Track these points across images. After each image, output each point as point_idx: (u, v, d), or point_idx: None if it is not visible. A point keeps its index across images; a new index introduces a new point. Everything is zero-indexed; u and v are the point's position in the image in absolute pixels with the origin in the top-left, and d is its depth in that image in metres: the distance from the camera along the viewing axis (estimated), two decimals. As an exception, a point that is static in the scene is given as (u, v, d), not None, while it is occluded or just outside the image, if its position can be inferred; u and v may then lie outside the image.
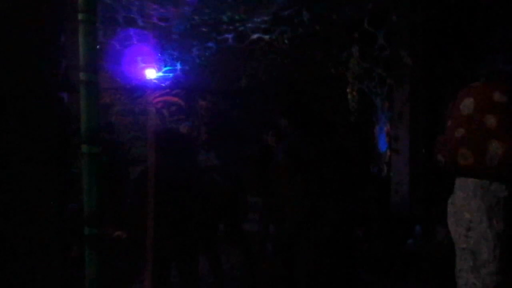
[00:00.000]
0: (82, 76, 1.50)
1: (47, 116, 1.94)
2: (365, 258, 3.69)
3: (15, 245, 1.81)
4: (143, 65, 6.97)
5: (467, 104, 1.83)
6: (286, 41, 6.55)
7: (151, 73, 7.22)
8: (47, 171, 1.96)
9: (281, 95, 6.93)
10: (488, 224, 1.73)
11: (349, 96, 6.08)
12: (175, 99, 7.98)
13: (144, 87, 7.61)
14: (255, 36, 6.81)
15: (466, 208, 1.80)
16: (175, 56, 7.06)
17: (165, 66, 7.26)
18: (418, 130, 4.94)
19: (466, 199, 1.81)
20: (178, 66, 7.34)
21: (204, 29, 6.54)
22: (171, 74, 7.44)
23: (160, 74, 7.32)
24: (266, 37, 6.67)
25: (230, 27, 6.64)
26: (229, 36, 6.84)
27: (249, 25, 6.64)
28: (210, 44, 7.05)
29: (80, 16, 1.54)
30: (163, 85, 7.69)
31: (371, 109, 6.04)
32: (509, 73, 3.95)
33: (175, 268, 3.23)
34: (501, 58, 4.11)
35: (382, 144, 5.85)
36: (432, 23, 4.78)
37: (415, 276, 3.32)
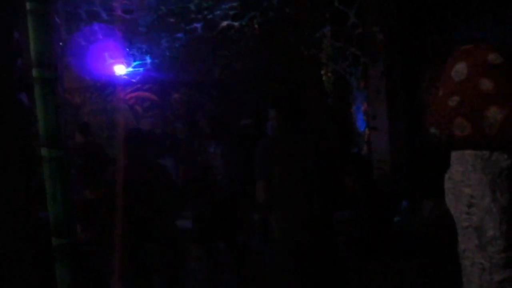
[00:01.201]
0: (34, 72, 1.36)
1: (4, 118, 1.80)
2: (353, 238, 3.65)
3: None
4: (111, 60, 6.75)
5: (459, 69, 1.69)
6: (256, 26, 6.42)
7: (120, 69, 7.00)
8: (10, 180, 1.83)
9: (266, 85, 6.81)
10: (492, 198, 1.63)
11: (324, 78, 6.01)
12: (148, 94, 7.78)
13: (114, 84, 7.38)
14: (224, 23, 6.66)
15: (466, 183, 1.69)
16: (143, 50, 6.86)
17: (134, 61, 7.05)
18: (396, 106, 4.91)
19: (465, 173, 1.70)
20: (148, 60, 7.13)
21: (171, 20, 6.36)
22: (141, 69, 7.23)
23: (130, 69, 7.11)
24: (236, 23, 6.53)
25: (199, 16, 6.47)
26: (198, 25, 6.67)
27: (218, 12, 6.48)
28: (179, 35, 6.86)
29: (28, 6, 1.40)
30: (133, 80, 7.48)
31: (346, 89, 5.99)
32: (483, 39, 3.91)
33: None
34: (474, 25, 4.07)
35: (360, 123, 5.82)
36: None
37: (405, 254, 3.29)
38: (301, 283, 2.56)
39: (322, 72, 5.88)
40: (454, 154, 1.71)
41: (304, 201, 2.59)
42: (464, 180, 1.67)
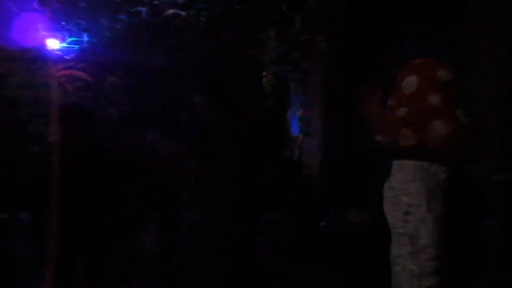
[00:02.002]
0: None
1: None
2: (280, 241, 3.71)
3: None
4: (45, 33, 6.32)
5: (410, 82, 1.78)
6: (203, 18, 6.34)
7: (54, 43, 6.57)
8: None
9: (200, 73, 6.73)
10: (427, 208, 1.72)
11: (265, 79, 6.08)
12: (81, 73, 7.39)
13: (45, 58, 6.92)
14: (171, 11, 6.50)
15: (405, 191, 1.77)
16: (82, 26, 6.49)
17: (70, 37, 6.66)
18: (331, 114, 5.08)
19: (405, 182, 1.78)
20: (85, 38, 6.77)
21: (115, -1, 6.10)
22: (76, 46, 6.85)
23: (64, 45, 6.70)
24: (183, 13, 6.39)
25: (145, 0, 6.26)
26: (143, 9, 6.45)
27: (165, -1, 6.32)
28: (122, 16, 6.59)
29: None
30: (67, 57, 7.06)
31: (285, 93, 6.10)
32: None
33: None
34: (409, 45, 4.33)
35: (295, 128, 5.95)
36: (348, 10, 4.91)
37: (330, 257, 3.40)
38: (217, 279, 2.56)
39: (264, 73, 5.94)
40: (397, 163, 1.80)
41: (228, 192, 2.57)
42: (404, 189, 1.76)
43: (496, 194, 3.17)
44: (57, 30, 6.36)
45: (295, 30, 5.59)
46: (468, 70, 3.32)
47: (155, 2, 6.16)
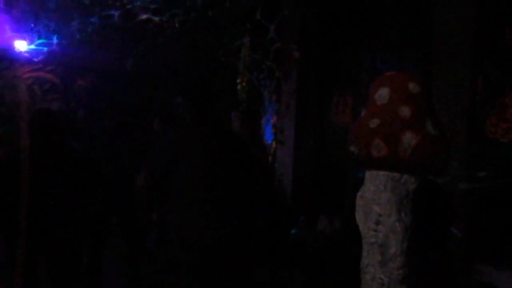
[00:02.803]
0: None
1: None
2: (249, 248, 3.69)
3: None
4: (12, 34, 6.15)
5: (382, 94, 1.82)
6: (177, 24, 6.31)
7: (22, 45, 6.40)
8: None
9: (178, 75, 6.66)
10: (397, 218, 1.75)
11: (239, 87, 6.08)
12: (50, 75, 7.22)
13: (11, 59, 6.72)
14: (144, 16, 6.43)
15: (376, 201, 1.80)
16: (51, 28, 6.35)
17: (39, 38, 6.49)
18: (304, 122, 5.13)
19: (376, 192, 1.81)
20: (55, 40, 6.62)
21: (86, 1, 5.98)
22: (45, 48, 6.68)
23: (33, 46, 6.53)
24: (156, 18, 6.34)
25: (117, 3, 6.18)
26: (115, 12, 6.36)
27: (138, 3, 6.24)
28: (93, 19, 6.48)
29: None
30: (35, 59, 6.89)
31: (259, 100, 6.12)
32: (387, 70, 4.27)
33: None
34: (380, 57, 4.43)
35: (268, 135, 5.97)
36: (321, 19, 4.98)
37: (299, 265, 3.41)
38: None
39: (238, 80, 5.94)
40: (369, 173, 1.83)
41: (208, 198, 2.54)
42: (375, 199, 1.79)
43: (462, 203, 3.27)
44: (25, 31, 6.19)
45: (269, 38, 5.63)
46: (434, 82, 3.42)
47: (128, 6, 6.08)
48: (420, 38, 3.95)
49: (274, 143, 5.67)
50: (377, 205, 1.79)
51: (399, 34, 4.19)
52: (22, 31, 6.28)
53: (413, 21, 4.02)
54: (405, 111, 1.75)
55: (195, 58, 6.78)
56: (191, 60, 6.96)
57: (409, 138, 1.71)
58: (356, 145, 1.84)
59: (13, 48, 6.39)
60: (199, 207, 2.50)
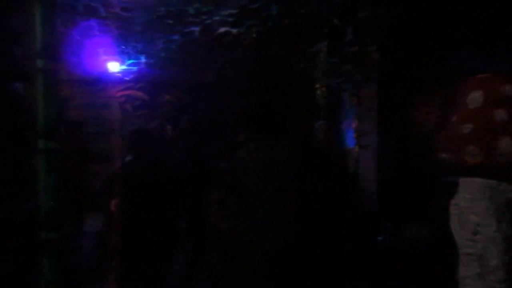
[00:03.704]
0: (38, 63, 1.34)
1: (-2, 107, 1.76)
2: (335, 257, 3.64)
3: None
4: (105, 57, 6.69)
5: (475, 98, 1.71)
6: (254, 35, 6.44)
7: (114, 66, 6.94)
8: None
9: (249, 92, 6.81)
10: (497, 228, 1.64)
11: (318, 92, 6.05)
12: (139, 93, 7.73)
13: (106, 80, 7.31)
14: (222, 29, 6.66)
15: (472, 210, 1.69)
16: (139, 49, 6.80)
17: (129, 59, 6.99)
18: (387, 126, 4.96)
19: (472, 201, 1.70)
20: (142, 59, 7.09)
21: (169, 21, 6.32)
22: (134, 68, 7.18)
23: (123, 67, 7.05)
24: (234, 30, 6.53)
25: (197, 20, 6.45)
26: (195, 28, 6.65)
27: (216, 18, 6.47)
28: (175, 37, 6.83)
29: (37, -4, 1.38)
30: (126, 78, 7.42)
31: (338, 105, 6.03)
32: (476, 70, 3.99)
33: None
34: (468, 55, 4.15)
35: (350, 140, 5.86)
36: (400, 18, 4.79)
37: (386, 273, 3.30)
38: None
39: (316, 86, 5.92)
40: (463, 181, 1.72)
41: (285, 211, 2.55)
42: (471, 207, 1.68)
43: None
44: (116, 53, 6.70)
45: (346, 41, 5.54)
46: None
47: (207, 21, 6.33)
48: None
49: (356, 148, 5.55)
50: (474, 214, 1.67)
51: (489, 28, 3.90)
52: (114, 53, 6.80)
53: (506, 13, 3.72)
54: (501, 115, 1.63)
55: (272, 66, 6.87)
56: (268, 68, 7.07)
57: (506, 144, 1.59)
58: (447, 151, 1.74)
59: (107, 69, 6.94)
60: (280, 218, 2.52)
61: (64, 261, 1.36)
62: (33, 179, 1.55)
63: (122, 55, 6.82)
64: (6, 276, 1.82)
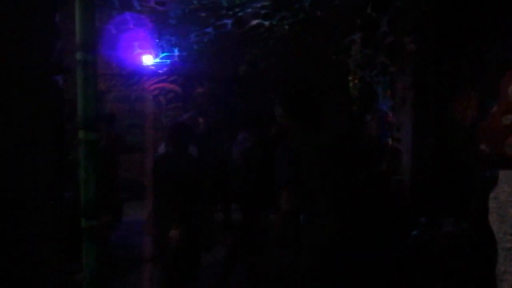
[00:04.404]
0: (78, 55, 1.38)
1: (40, 100, 1.83)
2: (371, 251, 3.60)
3: (8, 235, 1.71)
4: (140, 50, 6.81)
5: None
6: (286, 27, 6.40)
7: (148, 59, 7.07)
8: (41, 159, 1.85)
9: (281, 83, 6.79)
10: None
11: (351, 84, 5.97)
12: (172, 86, 7.84)
13: (140, 73, 7.45)
14: (254, 22, 6.65)
15: None
16: (172, 42, 6.89)
17: (162, 52, 7.10)
18: (423, 118, 4.84)
19: None
20: (176, 52, 7.18)
21: (202, 14, 6.37)
22: (168, 60, 7.28)
23: (157, 60, 7.17)
24: (266, 22, 6.51)
25: (229, 12, 6.47)
26: (228, 21, 6.67)
27: (249, 10, 6.47)
28: (208, 30, 6.88)
29: (76, -9, 1.42)
30: (160, 71, 7.54)
31: (372, 98, 5.93)
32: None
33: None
34: (509, 45, 3.99)
35: (384, 133, 5.75)
36: (437, 8, 4.65)
37: (422, 268, 3.24)
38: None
39: (349, 78, 5.83)
40: (503, 174, 1.67)
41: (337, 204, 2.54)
42: (511, 201, 1.63)
43: None
44: (150, 47, 6.82)
45: (380, 32, 5.43)
46: None
47: (239, 14, 6.34)
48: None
49: (390, 141, 5.45)
50: (515, 207, 1.62)
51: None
52: (148, 47, 6.92)
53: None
54: (545, 106, 1.57)
55: (304, 59, 6.81)
56: (300, 60, 7.02)
57: (550, 136, 1.53)
58: (487, 144, 1.69)
59: (141, 63, 7.07)
60: (329, 213, 2.51)
61: (104, 248, 1.41)
62: (74, 170, 1.61)
63: (156, 49, 6.93)
64: (52, 262, 1.90)
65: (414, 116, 4.84)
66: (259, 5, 6.24)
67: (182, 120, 5.42)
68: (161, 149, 4.29)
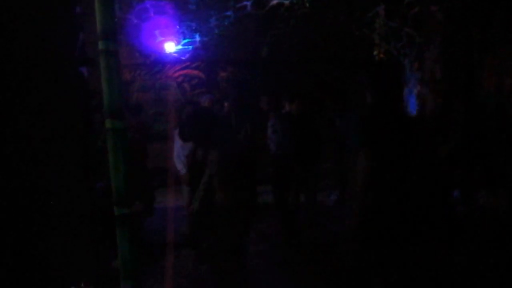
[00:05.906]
0: (100, 45, 1.38)
1: (68, 92, 1.85)
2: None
3: (42, 224, 1.76)
4: (162, 38, 6.82)
5: None
6: (307, 4, 6.28)
7: (170, 47, 7.08)
8: (71, 150, 1.88)
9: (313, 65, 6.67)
10: None
11: (376, 59, 5.83)
12: (196, 72, 7.84)
13: (163, 61, 7.48)
14: (274, 1, 6.56)
15: None
16: (193, 28, 6.87)
17: (184, 39, 7.09)
18: (452, 90, 4.70)
19: None
20: (197, 38, 7.16)
21: (221, -2, 6.34)
22: (190, 47, 7.28)
23: (179, 47, 7.17)
24: (286, 1, 6.40)
25: (249, -7, 6.41)
26: (248, 3, 6.60)
27: (268, -11, 6.40)
28: (228, 13, 6.83)
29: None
30: (183, 58, 7.55)
31: (399, 71, 5.78)
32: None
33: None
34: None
35: (412, 107, 5.62)
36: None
37: (458, 241, 3.18)
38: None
39: (375, 53, 5.70)
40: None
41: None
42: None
43: None
44: (172, 34, 6.82)
45: (406, 3, 5.26)
46: None
47: (258, -6, 6.27)
48: None
49: (417, 114, 5.32)
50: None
51: None
52: (170, 34, 6.92)
53: None
54: None
55: (327, 35, 6.68)
56: (323, 38, 6.88)
57: None
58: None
59: (163, 50, 7.09)
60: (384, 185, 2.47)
61: (138, 235, 1.43)
62: (103, 158, 1.62)
63: (177, 35, 6.93)
64: (89, 251, 1.95)
65: (444, 88, 4.70)
66: (278, -16, 6.15)
67: (201, 104, 5.40)
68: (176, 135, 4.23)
